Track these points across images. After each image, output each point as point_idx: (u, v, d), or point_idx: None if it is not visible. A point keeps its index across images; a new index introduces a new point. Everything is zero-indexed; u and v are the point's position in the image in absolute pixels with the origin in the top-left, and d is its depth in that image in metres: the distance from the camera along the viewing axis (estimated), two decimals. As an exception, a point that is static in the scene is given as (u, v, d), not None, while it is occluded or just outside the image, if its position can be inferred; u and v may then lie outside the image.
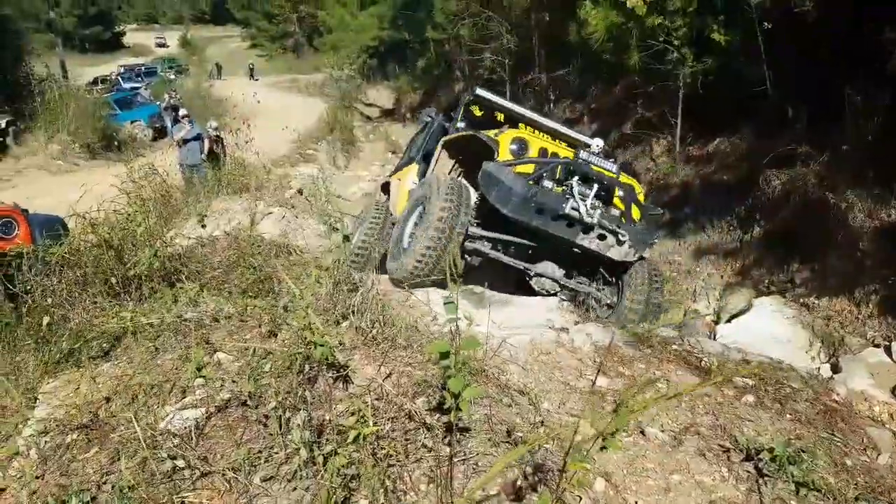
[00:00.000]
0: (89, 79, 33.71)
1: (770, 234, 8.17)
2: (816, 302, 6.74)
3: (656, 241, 6.16)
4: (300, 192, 12.52)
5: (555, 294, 5.95)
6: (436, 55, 25.33)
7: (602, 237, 5.42)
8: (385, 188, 8.64)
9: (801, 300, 6.89)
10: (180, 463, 2.50)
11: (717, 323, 6.52)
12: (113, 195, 5.92)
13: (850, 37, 7.00)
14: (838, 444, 3.65)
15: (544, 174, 5.41)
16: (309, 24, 52.30)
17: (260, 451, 2.62)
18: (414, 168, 7.43)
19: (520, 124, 7.10)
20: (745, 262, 8.29)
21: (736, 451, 3.26)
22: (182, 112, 14.32)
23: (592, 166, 5.42)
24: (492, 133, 5.71)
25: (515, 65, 17.77)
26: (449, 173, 6.29)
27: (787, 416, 3.83)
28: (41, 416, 3.05)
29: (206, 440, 2.74)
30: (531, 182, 5.28)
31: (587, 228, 5.34)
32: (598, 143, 5.67)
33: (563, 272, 5.97)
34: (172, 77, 36.87)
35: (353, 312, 3.72)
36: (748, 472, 3.13)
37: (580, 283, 6.01)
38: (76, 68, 35.32)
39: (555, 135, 7.28)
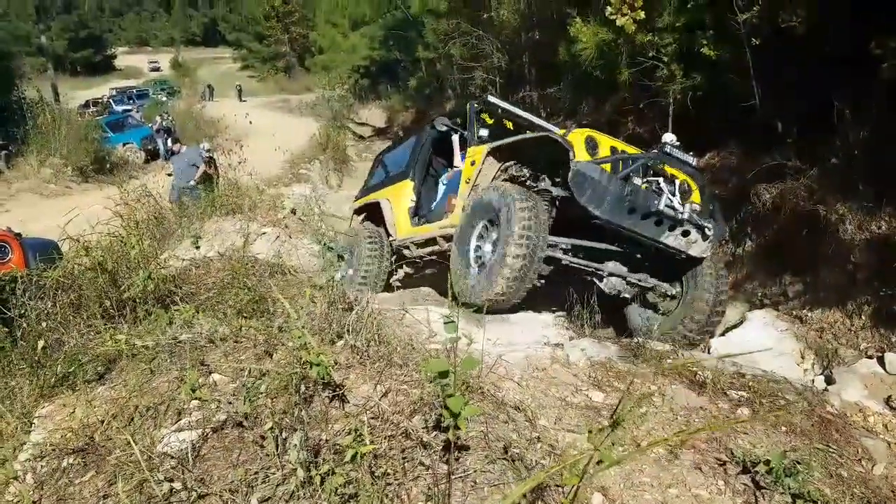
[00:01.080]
0: (81, 102, 33.80)
1: (762, 247, 8.21)
2: (809, 314, 6.76)
3: (726, 234, 6.04)
4: (293, 212, 12.53)
5: (621, 294, 5.81)
6: (427, 74, 25.47)
7: (686, 233, 5.30)
8: (361, 211, 8.45)
9: (794, 312, 6.91)
10: (177, 485, 2.50)
11: (711, 336, 6.52)
12: (106, 218, 5.92)
13: (838, 51, 7.07)
14: (834, 455, 3.66)
15: (631, 171, 5.18)
16: (300, 45, 52.63)
17: (257, 472, 2.62)
18: (409, 185, 7.27)
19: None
20: (738, 275, 8.32)
21: (732, 464, 3.27)
22: (176, 145, 14.24)
23: (675, 160, 5.30)
24: (560, 132, 5.49)
25: (506, 83, 17.88)
26: (492, 181, 6.01)
27: (783, 428, 3.84)
28: (37, 440, 3.05)
29: (203, 462, 2.74)
30: (622, 178, 5.07)
31: (674, 225, 5.21)
32: (672, 138, 5.44)
33: (627, 269, 5.83)
34: (164, 99, 36.93)
35: (348, 331, 3.73)
36: (745, 484, 3.14)
37: (644, 279, 5.86)
38: (68, 91, 35.51)
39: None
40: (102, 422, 3.06)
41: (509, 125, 6.97)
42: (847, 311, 6.46)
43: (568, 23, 11.23)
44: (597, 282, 5.77)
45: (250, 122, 20.35)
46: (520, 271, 4.97)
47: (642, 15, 8.92)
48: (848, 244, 6.67)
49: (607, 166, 5.13)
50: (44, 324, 4.03)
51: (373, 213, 8.06)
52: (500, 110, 6.93)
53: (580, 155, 5.11)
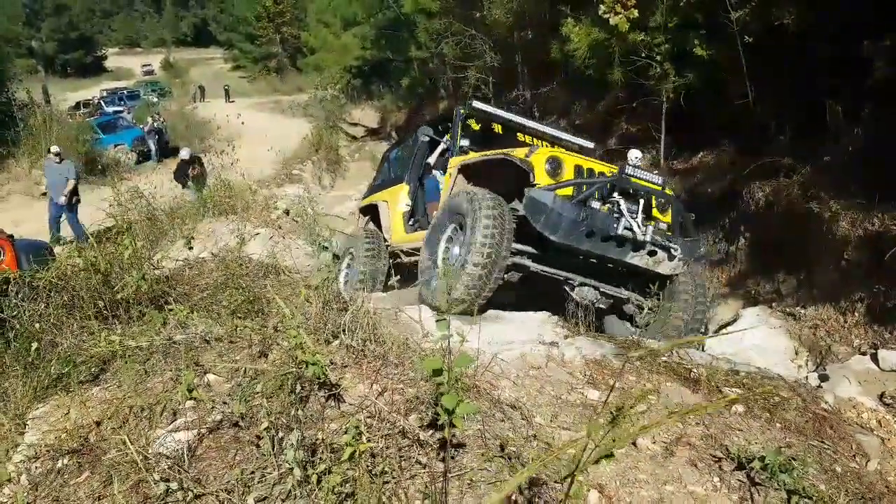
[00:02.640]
0: (72, 103, 33.65)
1: (755, 245, 8.24)
2: (803, 311, 6.79)
3: (703, 249, 6.03)
4: (287, 212, 12.49)
5: (595, 304, 5.72)
6: (420, 74, 25.45)
7: (652, 253, 5.28)
8: (366, 211, 8.40)
9: (788, 310, 6.94)
10: (173, 485, 2.49)
11: (705, 334, 6.54)
12: (99, 219, 5.91)
13: (831, 49, 7.11)
14: (828, 451, 3.68)
15: (589, 195, 5.17)
16: (292, 45, 52.52)
17: (253, 472, 2.61)
18: (404, 189, 7.23)
19: (525, 139, 6.94)
20: (732, 273, 8.35)
21: (727, 461, 3.28)
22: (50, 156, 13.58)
23: (639, 181, 5.23)
24: (522, 153, 5.41)
25: (499, 82, 17.89)
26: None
27: (777, 424, 3.85)
28: (31, 441, 3.03)
29: (199, 462, 2.73)
30: (578, 203, 5.07)
31: (638, 246, 5.19)
32: (636, 156, 5.41)
33: (603, 281, 5.78)
34: (155, 100, 36.81)
35: (343, 331, 3.72)
36: (740, 481, 3.15)
37: (621, 291, 5.84)
38: (58, 93, 35.34)
39: (555, 141, 7.14)
40: (97, 423, 3.05)
41: (498, 129, 6.95)
42: (840, 308, 6.49)
43: (560, 22, 11.25)
44: (568, 290, 5.70)
45: (242, 123, 20.33)
46: (479, 279, 4.98)
47: (635, 13, 8.94)
48: (841, 241, 6.70)
49: (569, 190, 5.16)
50: (37, 325, 4.01)
51: (375, 214, 8.03)
52: (486, 115, 6.92)
53: (540, 178, 5.14)
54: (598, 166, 5.63)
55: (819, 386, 4.94)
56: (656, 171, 5.57)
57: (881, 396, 4.73)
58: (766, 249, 7.97)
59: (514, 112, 7.93)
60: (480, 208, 5.06)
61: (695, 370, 4.46)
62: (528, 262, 5.46)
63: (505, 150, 5.64)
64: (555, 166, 5.23)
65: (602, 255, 5.24)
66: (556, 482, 2.64)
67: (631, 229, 5.07)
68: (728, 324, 6.55)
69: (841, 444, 3.82)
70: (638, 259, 5.29)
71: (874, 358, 5.38)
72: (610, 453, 1.68)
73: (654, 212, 5.45)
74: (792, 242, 7.47)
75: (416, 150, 7.36)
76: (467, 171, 6.03)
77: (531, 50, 16.23)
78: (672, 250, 5.28)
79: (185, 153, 14.36)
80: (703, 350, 5.36)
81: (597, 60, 10.65)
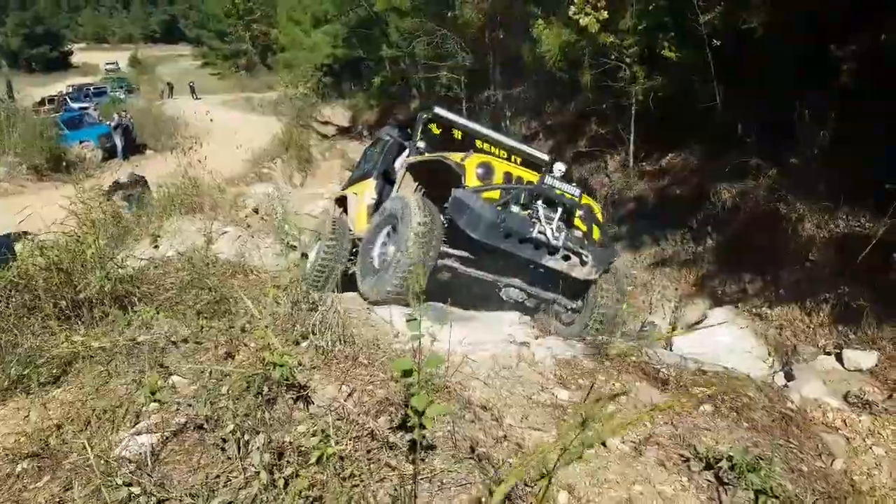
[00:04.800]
0: (36, 99, 32.98)
1: (723, 245, 8.34)
2: (769, 311, 6.88)
3: (616, 259, 6.37)
4: (256, 210, 12.36)
5: (522, 303, 6.14)
6: (392, 73, 25.36)
7: (566, 258, 5.60)
8: (340, 202, 8.57)
9: (754, 310, 7.03)
10: (136, 490, 2.43)
11: (672, 333, 6.60)
12: (62, 217, 5.77)
13: (798, 53, 7.20)
14: (794, 451, 3.72)
15: (511, 199, 5.55)
16: (262, 43, 52.04)
17: (218, 476, 2.56)
18: (371, 184, 7.38)
19: (483, 146, 7.24)
20: (700, 273, 8.44)
21: (695, 461, 3.29)
22: None
23: (556, 190, 5.55)
24: (458, 157, 5.78)
25: (471, 82, 17.91)
26: (413, 192, 6.32)
27: (744, 424, 3.89)
28: (-11, 445, 2.94)
29: (163, 466, 2.67)
30: (499, 207, 5.42)
31: (553, 250, 5.51)
32: (559, 168, 5.82)
33: (530, 283, 6.09)
34: (122, 97, 36.22)
35: (312, 332, 3.68)
36: (708, 480, 3.16)
37: (546, 292, 6.15)
38: (23, 88, 34.61)
39: (512, 151, 7.44)
40: (58, 425, 2.97)
41: (458, 135, 7.22)
42: (806, 308, 6.59)
43: (531, 24, 11.29)
44: (497, 291, 6.07)
45: (211, 121, 20.04)
46: (406, 278, 5.21)
47: (605, 15, 9.01)
48: (807, 243, 6.80)
49: (496, 194, 5.54)
50: (-4, 325, 3.90)
51: (345, 206, 8.29)
52: (447, 121, 7.22)
53: (470, 181, 5.53)
54: (528, 175, 5.98)
55: (785, 385, 5.01)
56: (574, 184, 5.95)
57: (846, 396, 4.80)
58: (733, 250, 8.06)
59: (482, 115, 8.11)
60: (411, 211, 5.39)
61: (663, 370, 4.49)
62: (456, 265, 5.81)
63: (442, 154, 6.04)
64: (485, 171, 5.64)
65: (520, 256, 5.53)
66: (526, 484, 2.63)
67: (544, 233, 5.41)
68: (696, 324, 6.61)
69: (807, 444, 3.86)
70: (553, 262, 5.63)
71: (839, 358, 5.47)
72: (582, 456, 1.67)
73: (577, 221, 5.86)
74: (758, 243, 7.56)
75: (384, 148, 7.65)
76: (412, 170, 6.47)
77: (503, 51, 16.27)
78: (584, 257, 5.64)
79: (123, 175, 14.00)
80: (671, 350, 5.40)
81: (567, 62, 10.71)
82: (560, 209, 5.55)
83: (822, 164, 6.91)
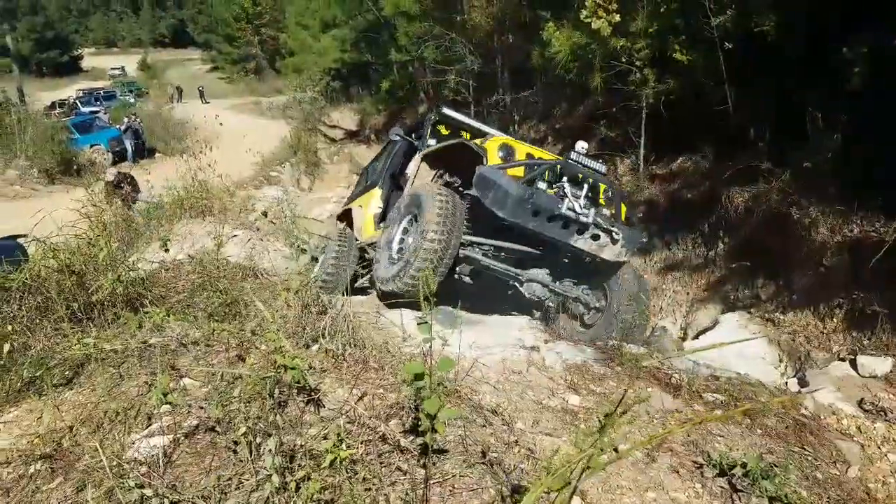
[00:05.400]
0: (47, 103, 33.19)
1: (734, 250, 8.29)
2: (782, 317, 6.83)
3: (644, 240, 6.20)
4: (265, 214, 12.36)
5: (543, 301, 5.94)
6: (400, 77, 25.39)
7: (595, 237, 5.42)
8: (342, 217, 8.60)
9: (767, 315, 6.98)
10: (148, 492, 2.42)
11: (684, 339, 6.57)
12: (73, 220, 5.79)
13: (810, 55, 7.17)
14: (809, 457, 3.69)
15: (536, 177, 5.37)
16: (270, 47, 52.21)
17: (230, 479, 2.55)
18: (376, 193, 7.40)
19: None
20: (711, 278, 8.39)
21: (709, 467, 3.27)
22: None
23: (581, 166, 5.42)
24: (478, 141, 5.69)
25: (479, 86, 17.91)
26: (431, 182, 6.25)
27: (758, 430, 3.86)
28: (2, 446, 2.94)
29: (175, 468, 2.66)
30: (525, 183, 5.23)
31: (582, 229, 5.34)
32: (582, 145, 5.61)
33: (552, 278, 5.93)
34: (132, 101, 36.41)
35: (323, 335, 3.67)
36: (722, 487, 3.14)
37: (568, 288, 5.98)
38: (34, 93, 34.81)
39: None
40: (70, 427, 2.97)
41: (466, 136, 7.09)
42: (819, 313, 6.54)
43: (541, 27, 11.27)
44: (518, 286, 5.87)
45: (221, 124, 20.13)
46: (435, 254, 5.09)
47: (617, 18, 8.98)
48: (820, 247, 6.75)
49: (520, 171, 5.34)
50: (10, 327, 3.90)
51: (350, 221, 8.25)
52: (454, 121, 7.18)
53: (492, 161, 5.37)
54: (548, 156, 5.89)
55: (799, 392, 4.96)
56: (601, 160, 5.75)
57: (860, 402, 4.76)
58: (745, 255, 8.02)
59: (491, 119, 8.10)
60: (431, 196, 5.25)
61: (675, 376, 4.47)
62: (478, 256, 5.63)
63: (461, 139, 5.95)
64: (507, 152, 5.49)
65: (547, 235, 5.35)
66: (543, 492, 2.61)
67: (573, 209, 5.24)
68: (708, 329, 6.57)
69: (821, 451, 3.83)
70: (582, 242, 5.43)
71: (853, 364, 5.42)
72: (604, 466, 1.65)
73: (601, 201, 5.64)
74: (771, 248, 7.52)
75: (391, 152, 7.60)
76: (429, 159, 6.34)
77: (512, 54, 16.27)
78: (614, 234, 5.43)
79: (109, 174, 13.98)
80: (683, 355, 5.37)
81: (578, 65, 10.68)
82: (586, 187, 5.39)
83: (835, 167, 6.86)
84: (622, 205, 5.81)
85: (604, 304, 5.93)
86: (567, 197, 5.27)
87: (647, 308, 5.96)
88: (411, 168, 6.80)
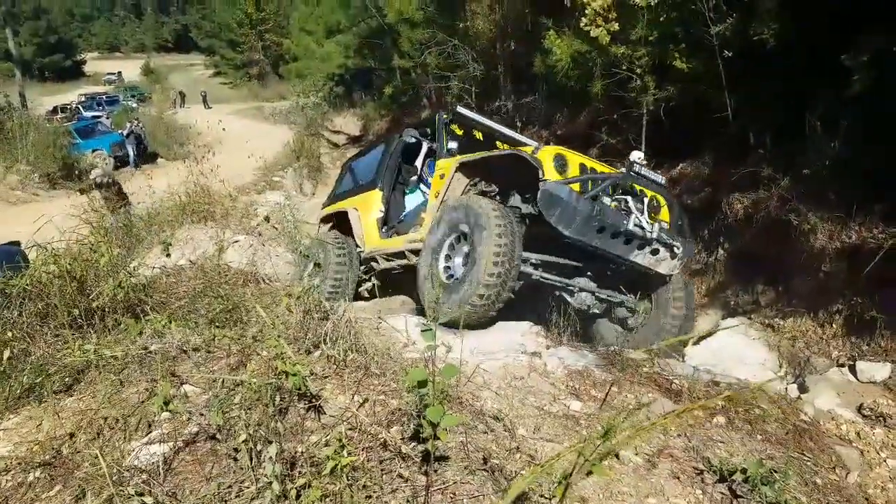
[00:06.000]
0: (49, 107, 33.27)
1: (734, 256, 8.31)
2: (782, 322, 6.84)
3: (695, 251, 6.12)
4: (267, 219, 12.37)
5: (591, 309, 5.84)
6: (403, 83, 25.44)
7: (655, 252, 5.36)
8: (328, 220, 8.27)
9: (767, 321, 6.99)
10: (148, 500, 2.42)
11: (685, 345, 6.56)
12: (74, 225, 5.81)
13: (809, 63, 7.19)
14: (808, 463, 3.69)
15: (600, 191, 5.23)
16: (274, 52, 52.34)
17: (230, 486, 2.56)
18: (377, 195, 7.15)
19: (504, 147, 6.85)
20: (711, 284, 8.40)
21: (709, 473, 3.27)
22: None
23: (643, 179, 5.34)
24: (528, 150, 5.46)
25: (482, 92, 17.95)
26: (462, 195, 5.96)
27: (758, 436, 3.86)
28: (2, 453, 2.95)
29: (175, 475, 2.67)
30: (590, 198, 5.11)
31: (643, 244, 5.27)
32: (639, 156, 5.46)
33: (596, 285, 5.86)
34: (134, 105, 36.49)
35: (324, 341, 3.67)
36: (722, 493, 3.14)
37: (614, 294, 5.91)
38: (36, 97, 34.90)
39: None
40: (70, 434, 2.97)
41: (479, 136, 6.94)
42: (819, 319, 6.55)
43: (542, 34, 11.31)
44: (567, 297, 5.78)
45: (223, 129, 20.15)
46: (495, 288, 4.89)
47: (616, 27, 9.02)
48: (819, 253, 6.76)
49: (576, 186, 5.16)
50: (9, 333, 3.91)
51: (341, 222, 7.91)
52: (469, 121, 6.91)
53: (549, 174, 5.12)
54: (599, 166, 5.70)
55: (798, 397, 4.96)
56: (659, 171, 5.62)
57: (860, 408, 4.76)
58: (745, 260, 8.03)
59: (495, 121, 7.94)
60: (490, 217, 5.00)
61: (676, 381, 4.47)
62: (531, 270, 5.46)
63: (510, 149, 5.67)
64: (562, 163, 5.25)
65: (609, 252, 5.27)
66: (541, 496, 2.61)
67: (640, 225, 5.16)
68: (708, 334, 6.56)
69: (821, 456, 3.83)
70: (641, 257, 5.36)
71: (852, 369, 5.41)
72: (601, 468, 1.66)
73: (662, 214, 5.55)
74: (771, 254, 7.53)
75: (390, 154, 7.29)
76: (465, 169, 5.99)
77: (514, 61, 16.32)
78: (675, 248, 5.38)
79: (95, 173, 13.72)
80: (683, 360, 5.38)
81: (578, 72, 10.72)
82: (647, 200, 5.31)
83: (834, 174, 6.87)
84: (680, 215, 5.76)
85: (648, 307, 5.86)
86: (633, 212, 5.18)
87: (693, 311, 5.89)
88: (427, 172, 6.62)
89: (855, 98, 6.33)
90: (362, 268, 7.25)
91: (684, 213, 5.96)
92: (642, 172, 5.34)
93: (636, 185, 5.38)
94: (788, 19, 7.24)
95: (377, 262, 7.04)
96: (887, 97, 6.03)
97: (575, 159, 5.44)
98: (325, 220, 8.41)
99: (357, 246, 7.30)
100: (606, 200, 5.24)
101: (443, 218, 5.61)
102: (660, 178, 5.46)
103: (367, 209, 7.25)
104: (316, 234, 8.42)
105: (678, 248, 5.38)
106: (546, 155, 5.25)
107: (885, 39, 5.84)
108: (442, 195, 6.03)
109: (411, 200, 7.25)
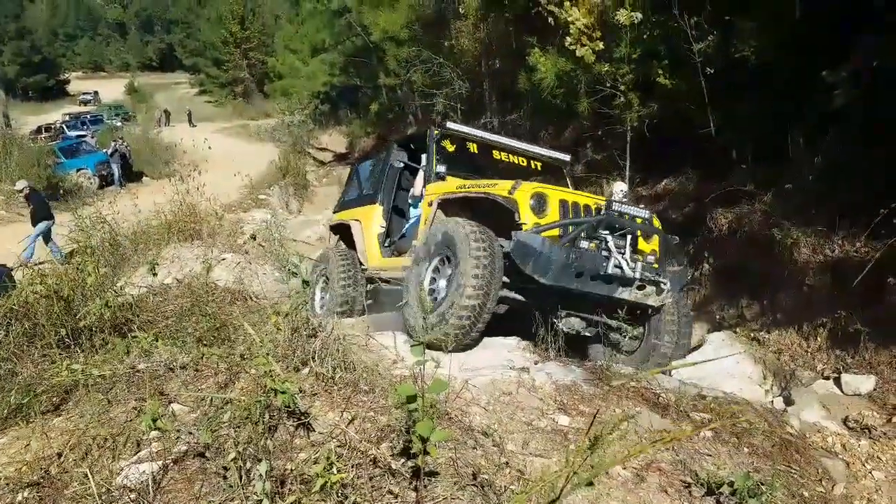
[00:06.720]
0: (33, 127, 33.08)
1: (719, 270, 8.38)
2: (767, 336, 6.90)
3: (689, 277, 5.94)
4: (253, 237, 12.37)
5: (581, 333, 5.74)
6: (388, 100, 25.54)
7: (641, 287, 5.23)
8: (337, 230, 8.17)
9: (752, 335, 7.05)
10: (138, 519, 2.42)
11: (671, 359, 6.57)
12: (61, 244, 5.79)
13: (791, 80, 7.30)
14: (795, 475, 3.72)
15: (577, 233, 5.08)
16: (259, 71, 52.37)
17: (220, 504, 2.55)
18: (377, 210, 7.07)
19: (501, 156, 6.86)
20: (697, 298, 8.46)
21: (697, 486, 3.30)
22: None
23: (625, 216, 5.22)
24: (505, 189, 5.28)
25: (467, 109, 18.04)
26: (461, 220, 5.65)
27: (745, 449, 3.89)
28: (-11, 474, 2.93)
29: (164, 494, 2.66)
30: (566, 244, 4.98)
31: (627, 282, 5.15)
32: (621, 188, 5.32)
33: (589, 311, 5.75)
34: (119, 124, 36.32)
35: (313, 358, 3.68)
36: (710, 506, 3.16)
37: (608, 321, 5.73)
38: (20, 116, 34.65)
39: (531, 156, 7.09)
40: (58, 454, 2.96)
41: (473, 148, 6.86)
42: (803, 332, 6.61)
43: (527, 52, 11.41)
44: (555, 321, 5.65)
45: (209, 148, 20.14)
46: (474, 311, 4.82)
47: (601, 45, 9.12)
48: (802, 267, 6.83)
49: (555, 231, 5.08)
50: (-4, 353, 3.90)
51: (346, 233, 7.78)
52: (460, 135, 6.81)
53: (525, 216, 5.06)
54: (583, 199, 5.56)
55: (784, 410, 5.01)
56: (642, 206, 5.49)
57: (845, 420, 4.81)
58: (730, 275, 8.10)
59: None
60: (470, 240, 4.92)
61: (663, 395, 4.50)
62: (517, 296, 5.40)
63: (487, 187, 5.52)
64: (540, 203, 5.15)
65: (591, 293, 5.17)
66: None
67: (620, 267, 5.04)
68: (694, 348, 6.59)
69: (807, 469, 3.87)
70: (627, 293, 5.25)
71: (837, 382, 5.48)
72: (590, 482, 1.68)
73: (640, 243, 5.41)
74: (755, 268, 7.60)
75: (389, 167, 7.20)
76: (447, 204, 5.90)
77: (499, 78, 16.43)
78: (661, 285, 5.27)
79: (20, 184, 13.53)
80: (670, 374, 5.40)
81: (563, 90, 10.80)
82: (629, 236, 5.17)
83: (816, 189, 6.97)
84: (667, 244, 5.65)
85: (641, 332, 5.77)
86: (612, 253, 5.06)
87: (690, 333, 5.79)
88: (417, 197, 6.52)
89: (835, 112, 6.43)
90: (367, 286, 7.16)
91: (674, 241, 5.83)
92: (622, 210, 5.26)
93: (627, 222, 5.24)
94: (768, 38, 7.36)
95: (377, 282, 6.99)
96: (869, 112, 6.13)
97: (555, 196, 5.33)
98: (334, 228, 8.29)
99: (360, 262, 7.22)
100: (584, 243, 5.12)
101: (428, 239, 5.55)
102: (643, 213, 5.35)
103: (368, 223, 7.17)
104: (327, 244, 8.27)
105: (664, 284, 5.28)
106: (523, 195, 5.15)
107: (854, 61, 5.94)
108: (430, 223, 5.94)
109: (414, 212, 7.12)
